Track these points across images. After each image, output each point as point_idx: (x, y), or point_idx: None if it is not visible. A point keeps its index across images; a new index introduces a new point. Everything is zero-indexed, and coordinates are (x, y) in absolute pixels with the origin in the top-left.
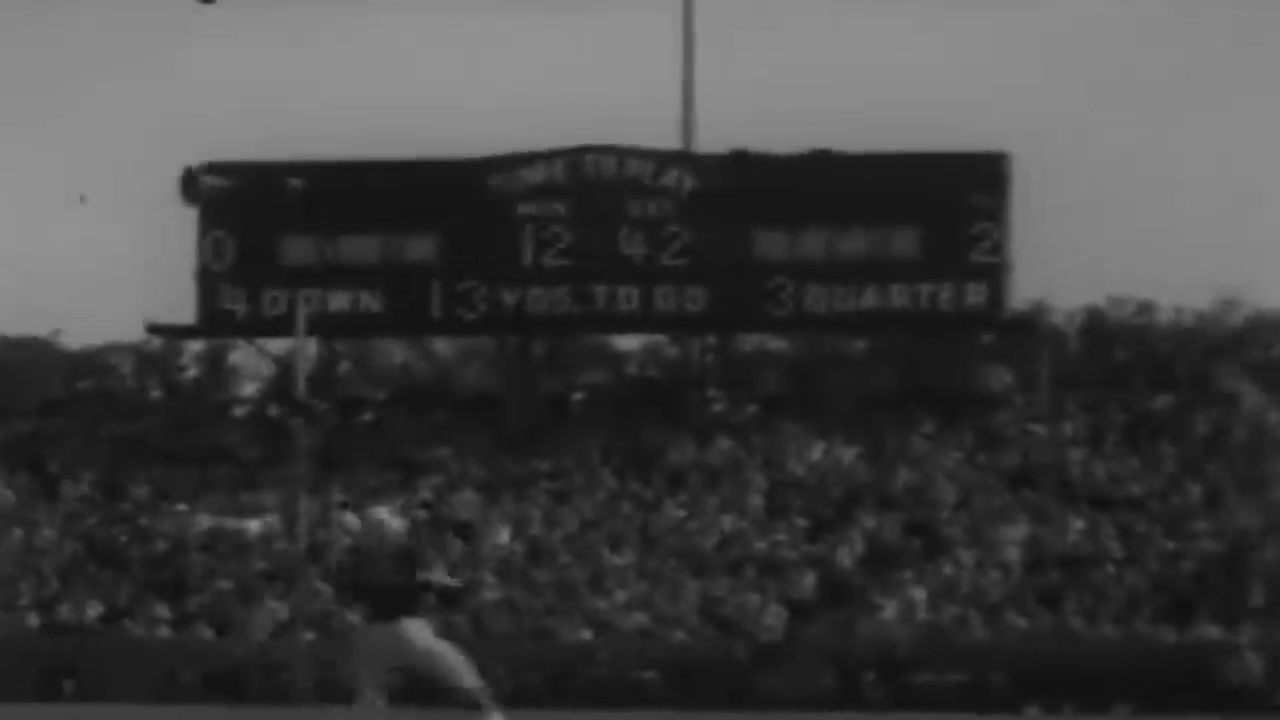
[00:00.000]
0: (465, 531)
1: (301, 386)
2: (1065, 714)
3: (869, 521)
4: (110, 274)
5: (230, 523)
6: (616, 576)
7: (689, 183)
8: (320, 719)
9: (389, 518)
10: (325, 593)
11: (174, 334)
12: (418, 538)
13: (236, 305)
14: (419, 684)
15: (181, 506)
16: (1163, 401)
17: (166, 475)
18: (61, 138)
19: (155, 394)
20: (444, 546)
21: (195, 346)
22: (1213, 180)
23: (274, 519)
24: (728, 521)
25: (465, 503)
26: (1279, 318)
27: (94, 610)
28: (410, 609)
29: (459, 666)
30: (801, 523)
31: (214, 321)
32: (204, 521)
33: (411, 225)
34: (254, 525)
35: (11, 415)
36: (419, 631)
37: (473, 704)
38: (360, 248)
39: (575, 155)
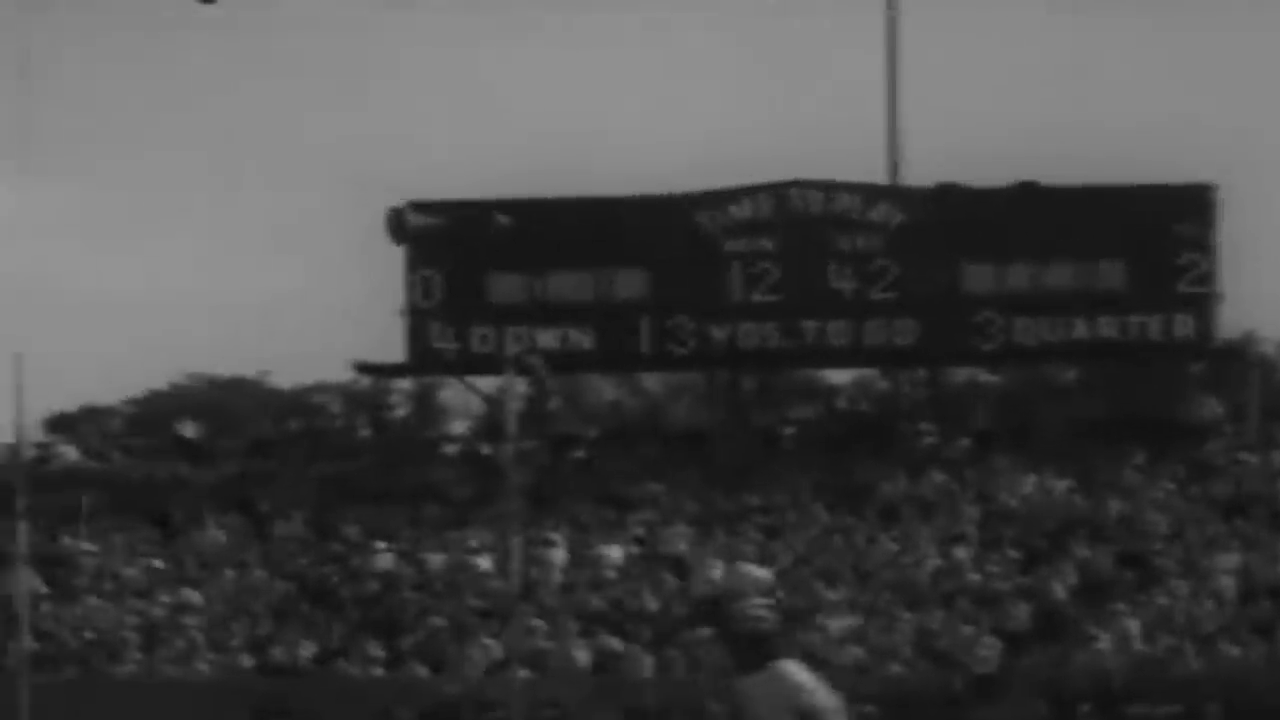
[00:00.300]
0: (678, 567)
1: (511, 424)
2: None
3: (1082, 552)
4: (318, 313)
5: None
6: (831, 611)
7: (897, 216)
8: None
9: (754, 568)
10: (540, 629)
11: (382, 373)
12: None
13: (445, 343)
14: None
15: (392, 545)
16: None
17: (377, 514)
18: (268, 178)
19: (364, 433)
20: (658, 582)
21: (404, 385)
22: None
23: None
24: (941, 554)
25: (677, 538)
26: None
27: (307, 650)
28: (780, 654)
29: (835, 708)
30: (1015, 554)
31: (423, 359)
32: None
33: (619, 261)
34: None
35: (221, 456)
36: (799, 674)
37: None
38: (568, 284)
39: (781, 190)
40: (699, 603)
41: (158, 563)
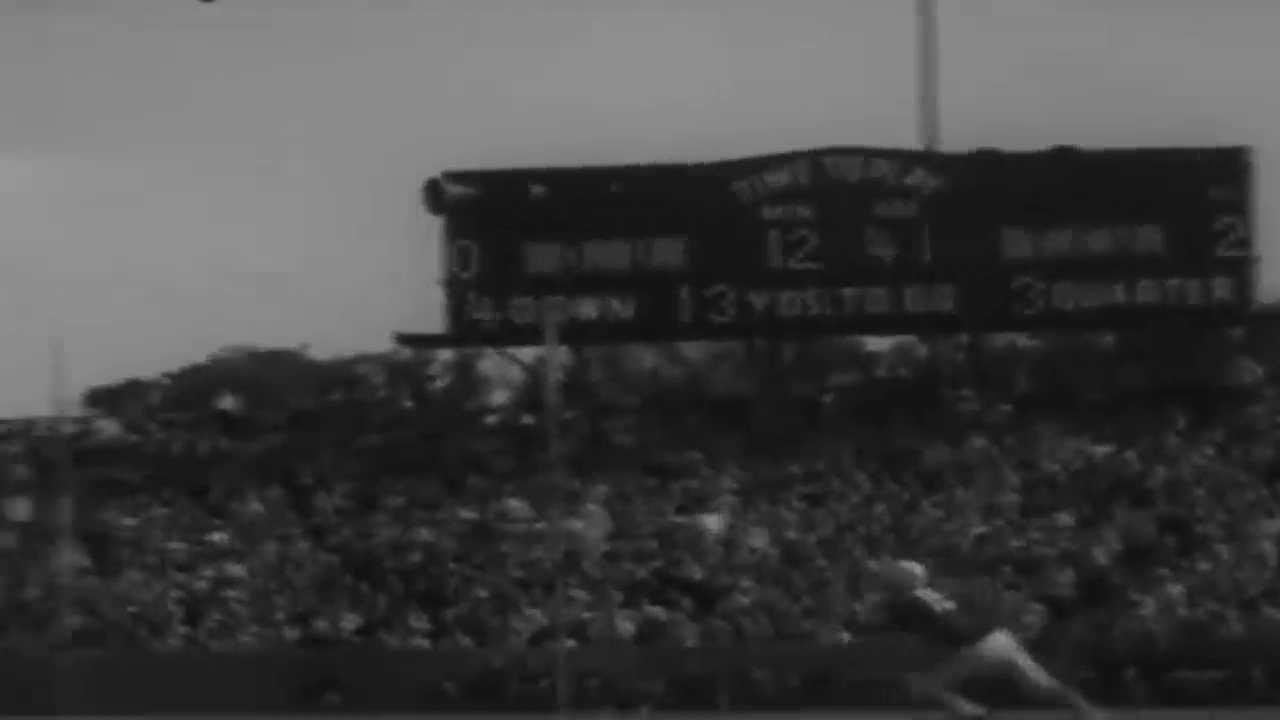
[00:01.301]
0: (720, 535)
1: (552, 394)
2: None
3: (1124, 518)
4: (358, 285)
5: (687, 519)
6: (873, 579)
7: (933, 182)
8: None
9: (908, 563)
10: (582, 599)
11: (423, 344)
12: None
13: (484, 314)
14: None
15: (435, 516)
16: None
17: (419, 485)
18: (306, 151)
19: (406, 404)
20: (700, 551)
21: (445, 355)
22: None
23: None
24: (983, 520)
25: (720, 506)
26: None
27: (350, 622)
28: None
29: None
30: (1057, 520)
31: (462, 330)
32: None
33: (657, 230)
34: (711, 521)
35: (262, 429)
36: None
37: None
38: (607, 254)
39: (818, 157)
40: (878, 606)
41: (218, 536)
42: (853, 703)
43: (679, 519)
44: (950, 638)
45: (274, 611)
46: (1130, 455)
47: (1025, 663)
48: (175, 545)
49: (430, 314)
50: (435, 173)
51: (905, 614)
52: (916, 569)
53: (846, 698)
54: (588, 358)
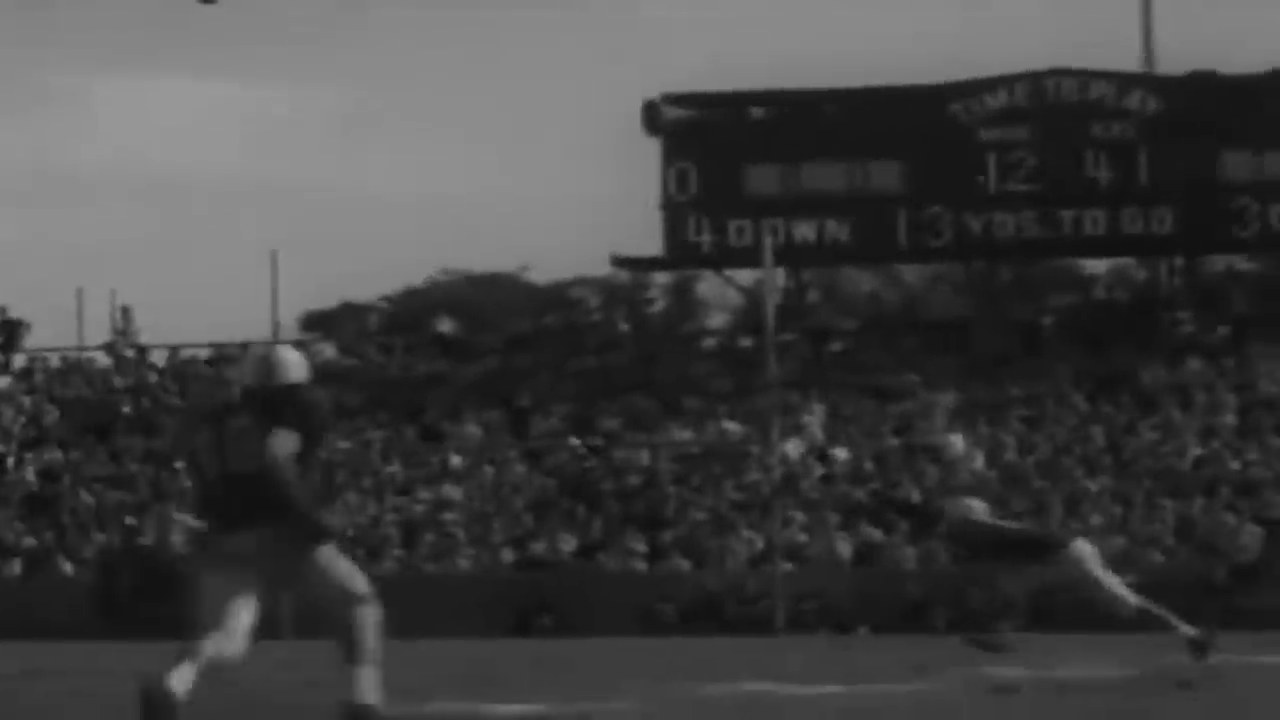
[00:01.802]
0: (937, 457)
1: (770, 317)
2: None
3: None
4: (574, 208)
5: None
6: (1092, 500)
7: (1152, 104)
8: (800, 648)
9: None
10: (800, 521)
11: (640, 266)
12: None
13: (702, 236)
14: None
15: (652, 439)
16: None
17: (636, 408)
18: (522, 75)
19: (623, 327)
20: (919, 473)
21: (662, 278)
22: None
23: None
24: (1201, 443)
25: (937, 429)
26: None
27: (568, 545)
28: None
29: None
30: (1274, 442)
31: (680, 253)
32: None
33: (875, 152)
34: (956, 440)
35: (479, 352)
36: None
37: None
38: (824, 175)
39: (1037, 78)
40: (948, 541)
41: (435, 459)
42: (1072, 625)
43: (897, 440)
44: (1031, 549)
45: (490, 534)
46: None
47: (1108, 576)
48: (392, 468)
49: (647, 236)
50: (653, 95)
51: (977, 539)
52: (977, 504)
53: (1066, 620)
54: (805, 280)
